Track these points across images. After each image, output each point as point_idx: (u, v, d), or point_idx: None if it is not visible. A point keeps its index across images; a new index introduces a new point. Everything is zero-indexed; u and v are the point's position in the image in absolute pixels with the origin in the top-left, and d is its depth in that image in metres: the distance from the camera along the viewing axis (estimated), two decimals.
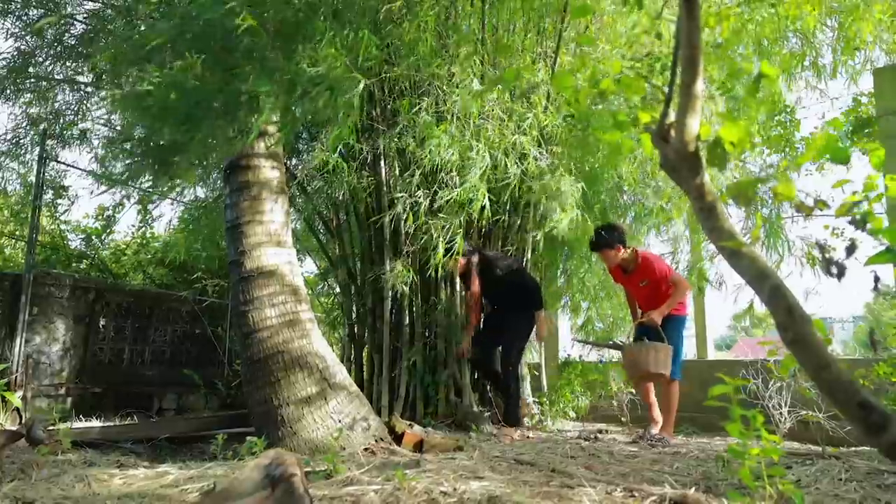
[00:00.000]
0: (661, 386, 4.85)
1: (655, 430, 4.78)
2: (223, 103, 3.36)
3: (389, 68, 4.95)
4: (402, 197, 5.02)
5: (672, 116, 1.29)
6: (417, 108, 4.66)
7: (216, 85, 3.24)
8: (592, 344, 5.97)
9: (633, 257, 4.89)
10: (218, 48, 3.25)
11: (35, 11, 5.53)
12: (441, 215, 4.77)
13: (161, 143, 3.86)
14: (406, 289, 5.38)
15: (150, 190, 7.57)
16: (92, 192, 10.29)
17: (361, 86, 3.38)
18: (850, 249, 1.18)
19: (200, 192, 7.57)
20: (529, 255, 5.79)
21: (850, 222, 1.20)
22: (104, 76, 5.55)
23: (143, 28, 4.48)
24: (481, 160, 4.52)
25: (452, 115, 4.56)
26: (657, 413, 4.97)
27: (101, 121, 6.59)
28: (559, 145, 5.09)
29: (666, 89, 1.33)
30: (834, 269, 1.21)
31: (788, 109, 5.48)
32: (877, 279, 1.30)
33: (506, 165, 4.67)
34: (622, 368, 5.19)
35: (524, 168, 4.77)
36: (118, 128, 6.25)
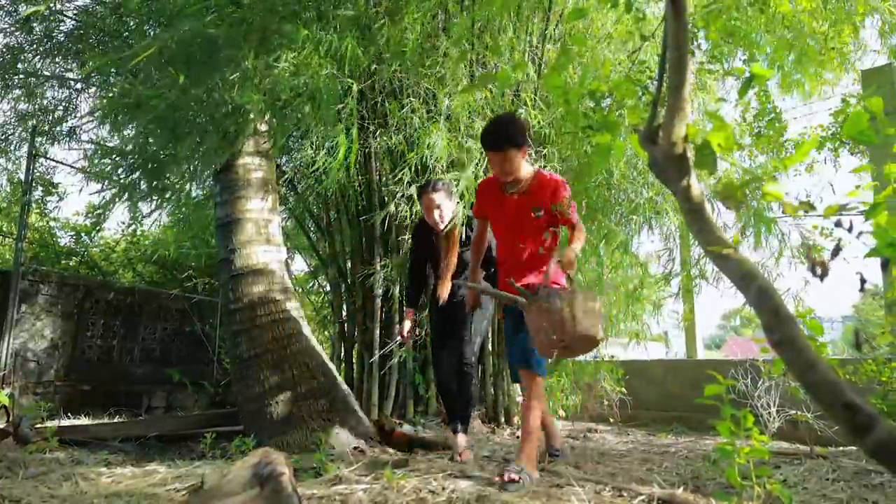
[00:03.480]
0: (526, 380, 3.17)
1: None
2: (209, 114, 3.36)
3: (378, 69, 4.93)
4: (394, 192, 5.00)
5: (660, 118, 1.29)
6: (408, 107, 4.65)
7: (200, 96, 3.24)
8: (488, 292, 3.56)
9: (530, 173, 3.29)
10: (202, 58, 3.24)
11: (24, 7, 5.49)
12: None
13: (152, 157, 3.86)
14: (396, 287, 5.39)
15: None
16: (81, 190, 10.25)
17: (354, 91, 3.37)
18: (836, 250, 1.19)
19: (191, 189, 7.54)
20: None
21: (837, 223, 1.21)
22: (94, 78, 5.52)
23: (129, 36, 4.46)
24: (474, 158, 4.50)
25: (441, 115, 4.55)
26: (556, 430, 3.82)
27: (91, 119, 6.55)
28: (547, 144, 5.08)
29: (654, 90, 1.34)
30: (818, 270, 1.21)
31: (777, 110, 5.47)
32: (863, 280, 1.30)
33: None
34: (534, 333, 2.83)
35: None
36: (109, 142, 6.23)
